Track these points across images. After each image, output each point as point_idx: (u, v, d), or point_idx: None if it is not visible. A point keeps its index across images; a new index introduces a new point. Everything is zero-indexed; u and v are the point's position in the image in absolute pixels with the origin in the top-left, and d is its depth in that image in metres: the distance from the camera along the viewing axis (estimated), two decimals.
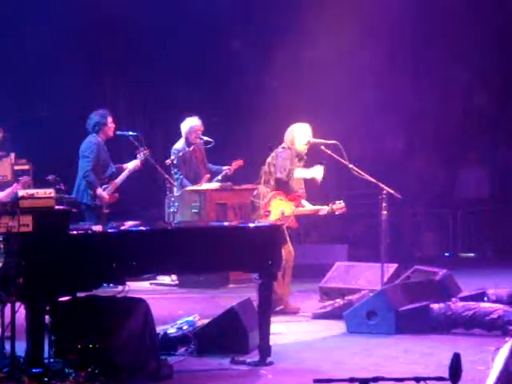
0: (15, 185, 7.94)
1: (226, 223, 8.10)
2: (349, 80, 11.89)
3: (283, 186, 8.75)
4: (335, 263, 9.81)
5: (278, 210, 8.67)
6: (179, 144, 10.79)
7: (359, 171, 8.83)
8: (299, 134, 8.87)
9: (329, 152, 8.85)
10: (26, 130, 9.76)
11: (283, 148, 8.88)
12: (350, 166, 8.81)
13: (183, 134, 10.79)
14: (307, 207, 8.98)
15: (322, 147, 8.89)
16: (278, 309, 8.50)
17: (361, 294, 8.59)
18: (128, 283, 6.51)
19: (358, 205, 12.12)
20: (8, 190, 7.75)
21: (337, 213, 8.99)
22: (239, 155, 10.94)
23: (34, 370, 5.88)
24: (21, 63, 11.42)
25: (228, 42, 12.07)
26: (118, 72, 11.87)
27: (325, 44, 11.88)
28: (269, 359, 6.73)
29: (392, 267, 9.29)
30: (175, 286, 10.49)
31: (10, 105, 10.85)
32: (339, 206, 8.95)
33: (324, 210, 8.98)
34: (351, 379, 3.93)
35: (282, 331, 7.79)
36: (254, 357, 6.78)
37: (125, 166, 10.05)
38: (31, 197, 6.04)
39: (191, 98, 11.56)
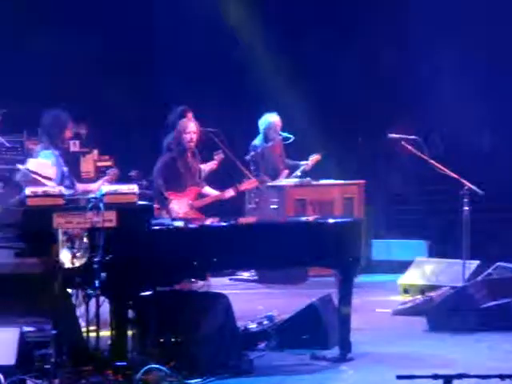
0: (106, 177, 8.15)
1: (304, 219, 8.08)
2: (430, 72, 11.74)
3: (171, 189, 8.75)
4: (415, 259, 9.72)
5: (176, 210, 8.64)
6: (258, 140, 10.83)
7: (440, 166, 8.72)
8: (183, 129, 8.89)
9: (409, 147, 8.77)
10: (109, 126, 9.87)
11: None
12: (431, 161, 8.72)
13: (262, 129, 10.83)
14: (210, 195, 9.04)
15: (402, 142, 8.82)
16: None
17: (442, 291, 8.50)
18: (209, 278, 6.56)
19: (439, 200, 11.96)
20: (99, 182, 7.96)
21: (249, 188, 9.03)
22: (318, 150, 10.92)
23: (117, 364, 5.98)
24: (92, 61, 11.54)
25: (309, 37, 11.96)
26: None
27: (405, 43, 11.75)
28: (349, 355, 6.72)
29: (474, 264, 9.16)
30: (254, 281, 10.52)
31: (94, 102, 10.97)
32: (247, 181, 8.97)
33: (228, 192, 9.04)
34: (435, 376, 3.89)
35: (363, 327, 7.75)
36: (334, 353, 6.77)
37: (202, 166, 10.10)
38: (115, 192, 6.14)
39: (271, 93, 11.52)
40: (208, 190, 9.20)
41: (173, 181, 8.81)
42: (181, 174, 8.85)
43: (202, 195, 9.05)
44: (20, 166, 6.78)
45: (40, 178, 6.52)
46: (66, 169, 7.93)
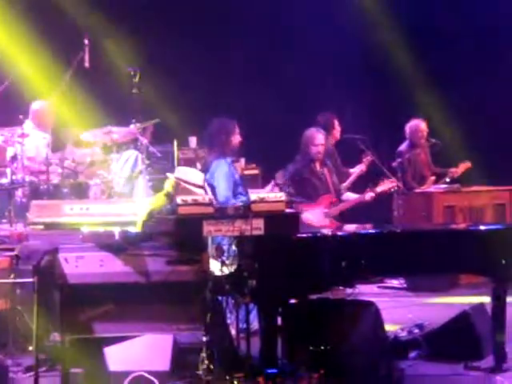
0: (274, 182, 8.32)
1: (454, 225, 7.93)
2: None
3: None
4: None
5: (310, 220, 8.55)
6: (404, 146, 10.73)
7: None
8: (311, 140, 8.75)
9: None
10: (256, 134, 9.90)
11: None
12: None
13: (408, 135, 10.74)
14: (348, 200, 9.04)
15: None
16: None
17: None
18: (357, 286, 6.52)
19: None
20: (268, 187, 8.20)
21: (387, 190, 9.06)
22: (467, 156, 10.67)
23: (268, 371, 6.01)
24: None
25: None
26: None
27: None
28: (504, 366, 6.51)
29: None
30: (403, 289, 10.38)
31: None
32: (386, 182, 9.01)
33: (368, 194, 8.97)
34: None
35: None
36: (489, 363, 6.58)
37: (351, 170, 10.07)
38: (262, 200, 6.18)
39: (417, 99, 11.35)
40: (350, 195, 9.14)
41: (301, 192, 8.77)
42: (308, 184, 8.80)
43: (337, 203, 8.97)
44: (169, 175, 6.91)
45: (189, 186, 6.61)
46: (237, 176, 8.03)
